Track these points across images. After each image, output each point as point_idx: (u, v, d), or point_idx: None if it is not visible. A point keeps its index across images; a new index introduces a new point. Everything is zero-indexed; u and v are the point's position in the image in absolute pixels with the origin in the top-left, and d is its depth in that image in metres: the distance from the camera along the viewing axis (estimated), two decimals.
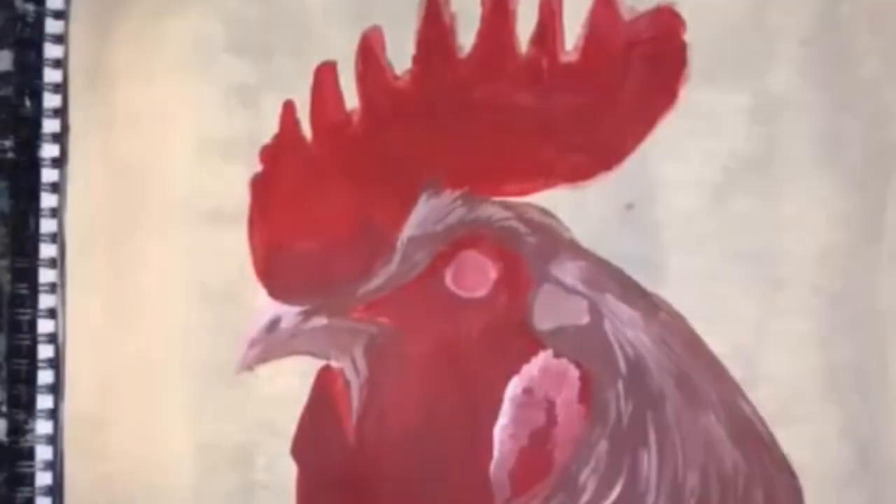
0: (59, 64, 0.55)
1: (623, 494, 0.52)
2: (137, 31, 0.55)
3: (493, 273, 0.53)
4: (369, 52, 0.54)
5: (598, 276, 0.54)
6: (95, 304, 0.55)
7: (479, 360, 0.53)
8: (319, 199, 0.54)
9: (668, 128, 0.54)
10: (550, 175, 0.54)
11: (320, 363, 0.54)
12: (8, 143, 0.56)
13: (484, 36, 0.54)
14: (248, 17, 0.55)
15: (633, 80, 0.54)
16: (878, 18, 0.55)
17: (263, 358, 0.54)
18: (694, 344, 0.54)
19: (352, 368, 0.54)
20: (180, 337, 0.55)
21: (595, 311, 0.53)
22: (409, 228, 0.54)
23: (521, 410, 0.52)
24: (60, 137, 0.55)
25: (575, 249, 0.54)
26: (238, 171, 0.55)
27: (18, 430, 0.55)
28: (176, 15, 0.55)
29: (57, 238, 0.55)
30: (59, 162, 0.55)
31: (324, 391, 0.54)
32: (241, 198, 0.55)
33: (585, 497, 0.52)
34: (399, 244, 0.54)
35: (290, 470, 0.54)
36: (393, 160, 0.54)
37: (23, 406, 0.55)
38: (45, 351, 0.55)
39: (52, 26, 0.55)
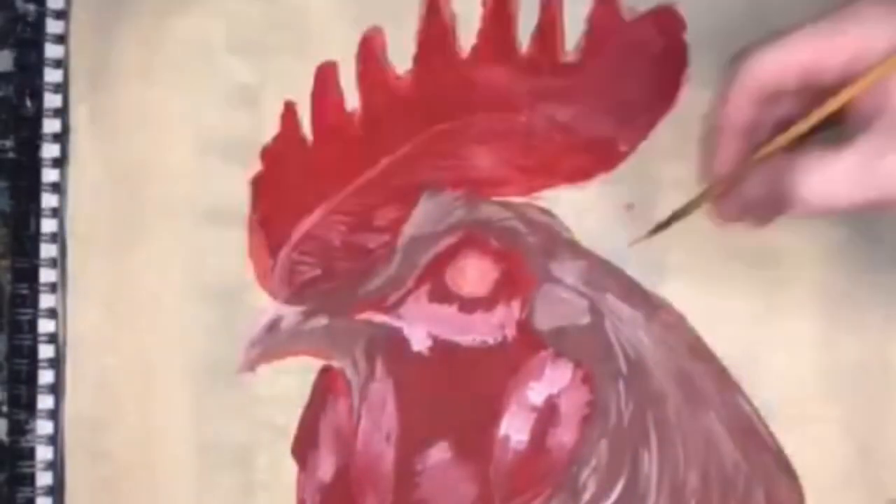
0: (59, 64, 0.55)
1: (624, 494, 0.52)
2: (138, 30, 0.55)
3: (493, 273, 0.53)
4: (369, 52, 0.55)
5: (598, 276, 0.54)
6: (96, 304, 0.55)
7: (479, 360, 0.53)
8: (319, 199, 0.54)
9: (668, 128, 0.54)
10: (550, 175, 0.54)
11: (320, 363, 0.54)
12: (8, 143, 0.56)
13: (484, 36, 0.54)
14: (249, 17, 0.55)
15: (633, 80, 0.54)
16: None
17: (264, 358, 0.54)
18: (694, 344, 0.54)
19: (352, 368, 0.54)
20: (180, 337, 0.55)
21: (595, 311, 0.53)
22: (409, 228, 0.54)
23: (521, 410, 0.52)
24: (61, 137, 0.55)
25: (575, 249, 0.54)
26: (238, 171, 0.55)
27: (19, 430, 0.55)
28: (177, 15, 0.55)
29: (57, 238, 0.55)
30: (60, 162, 0.55)
31: (324, 391, 0.54)
32: (241, 198, 0.55)
33: (586, 497, 0.52)
34: (399, 244, 0.54)
35: (290, 470, 0.54)
36: (393, 160, 0.54)
37: (23, 406, 0.55)
38: (45, 351, 0.55)
39: (52, 26, 0.55)
